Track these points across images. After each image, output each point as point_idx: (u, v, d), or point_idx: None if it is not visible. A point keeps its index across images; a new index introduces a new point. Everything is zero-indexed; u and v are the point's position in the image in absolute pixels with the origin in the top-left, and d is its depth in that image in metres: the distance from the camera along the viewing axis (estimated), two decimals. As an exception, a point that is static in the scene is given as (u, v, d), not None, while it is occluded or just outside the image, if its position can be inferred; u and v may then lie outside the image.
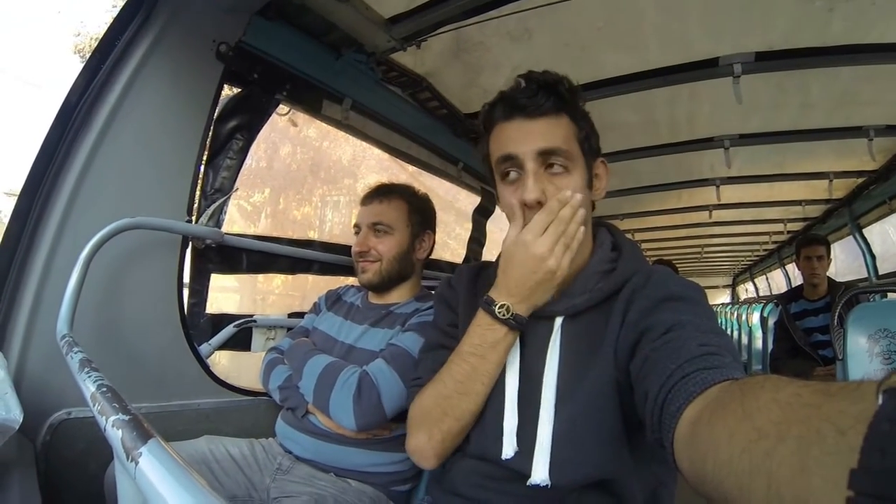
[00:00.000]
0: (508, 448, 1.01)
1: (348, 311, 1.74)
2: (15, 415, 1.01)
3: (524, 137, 1.05)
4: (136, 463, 0.49)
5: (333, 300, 1.83)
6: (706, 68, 2.17)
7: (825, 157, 3.38)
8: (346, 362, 1.49)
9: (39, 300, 1.32)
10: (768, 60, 2.10)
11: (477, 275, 1.28)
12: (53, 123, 1.39)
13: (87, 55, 1.49)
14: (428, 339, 1.32)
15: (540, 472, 0.96)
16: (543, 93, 1.06)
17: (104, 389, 0.69)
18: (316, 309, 1.84)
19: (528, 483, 0.97)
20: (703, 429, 0.56)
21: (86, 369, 0.81)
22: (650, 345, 0.84)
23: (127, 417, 0.58)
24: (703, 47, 2.09)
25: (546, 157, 1.04)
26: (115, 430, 0.56)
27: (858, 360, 2.71)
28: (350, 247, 1.76)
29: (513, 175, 1.07)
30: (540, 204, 1.02)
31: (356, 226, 1.74)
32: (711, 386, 0.65)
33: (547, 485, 0.95)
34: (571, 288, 1.08)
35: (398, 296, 1.71)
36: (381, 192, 1.74)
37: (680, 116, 2.76)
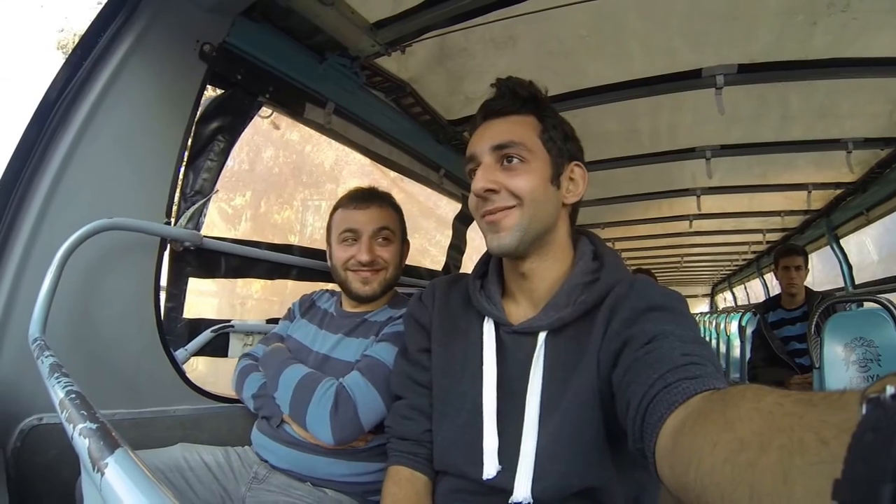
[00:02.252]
0: (490, 467, 1.01)
1: (322, 318, 1.70)
2: (-16, 420, 0.99)
3: (483, 136, 1.11)
4: (102, 474, 0.47)
5: (307, 306, 1.79)
6: (689, 79, 2.19)
7: (804, 168, 3.43)
8: (321, 374, 1.46)
9: (12, 301, 1.29)
10: (751, 73, 2.13)
11: (449, 289, 1.28)
12: (31, 120, 1.36)
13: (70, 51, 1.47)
14: (397, 368, 1.32)
15: (523, 489, 0.95)
16: (508, 94, 1.12)
17: (73, 396, 0.67)
18: (290, 315, 1.80)
19: (510, 501, 0.96)
20: (685, 438, 0.56)
21: (56, 374, 0.79)
22: (633, 354, 0.84)
23: (94, 426, 0.56)
24: (687, 58, 2.11)
25: (500, 151, 1.08)
26: (81, 439, 0.54)
27: (835, 368, 2.75)
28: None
29: (472, 174, 1.11)
30: (491, 192, 1.05)
31: (351, 231, 1.61)
32: (693, 396, 0.65)
33: (529, 502, 0.95)
34: (554, 301, 1.08)
35: (374, 303, 1.67)
36: (378, 197, 1.68)
37: (662, 126, 2.79)
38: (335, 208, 1.71)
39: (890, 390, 0.27)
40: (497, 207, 1.06)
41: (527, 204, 1.05)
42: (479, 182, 1.05)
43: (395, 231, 1.65)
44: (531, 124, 1.10)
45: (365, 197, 1.67)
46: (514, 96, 1.12)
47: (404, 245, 1.71)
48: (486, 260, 1.25)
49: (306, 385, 1.42)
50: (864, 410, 0.28)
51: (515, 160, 1.07)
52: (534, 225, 1.06)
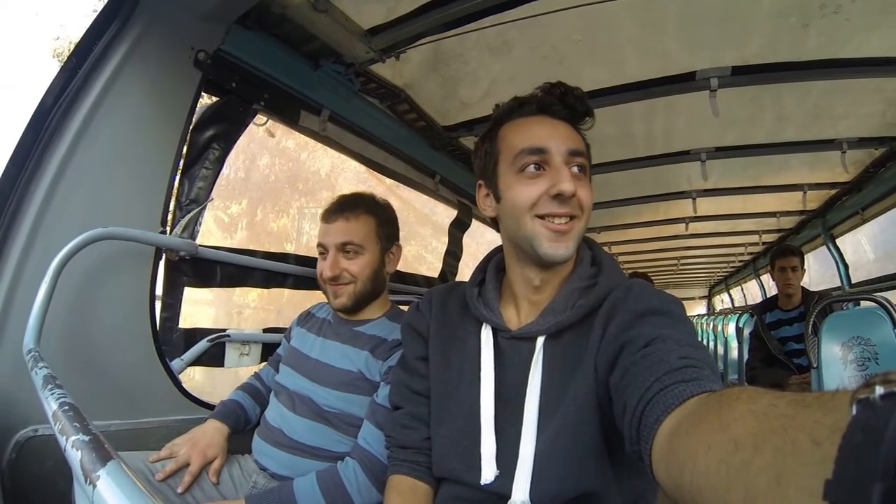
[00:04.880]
0: (488, 472, 1.00)
1: (320, 326, 1.69)
2: (-21, 432, 0.98)
3: (555, 134, 1.07)
4: (94, 486, 0.47)
5: (304, 318, 1.78)
6: (683, 82, 2.20)
7: (799, 169, 3.45)
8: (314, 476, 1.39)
9: (7, 312, 1.29)
10: (744, 75, 2.14)
11: (447, 297, 1.27)
12: (26, 129, 1.36)
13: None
14: (395, 378, 1.29)
15: (521, 493, 0.94)
16: (576, 101, 1.11)
17: (66, 408, 0.67)
18: (287, 335, 1.78)
19: None
20: (680, 440, 0.56)
21: (49, 386, 0.79)
22: (630, 358, 0.84)
23: (87, 438, 0.56)
24: (681, 61, 2.11)
25: (574, 158, 1.06)
26: (74, 451, 0.54)
27: (833, 367, 2.75)
28: None
29: (535, 169, 1.05)
30: (574, 197, 1.03)
31: (321, 246, 1.62)
32: (689, 398, 0.65)
33: None
34: (552, 305, 1.08)
35: (369, 312, 1.65)
36: (346, 208, 1.62)
37: (657, 130, 2.80)
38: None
39: (879, 390, 0.27)
40: (567, 213, 1.04)
41: (584, 216, 1.07)
42: (567, 184, 1.01)
43: (365, 243, 1.60)
44: (582, 137, 1.12)
45: (334, 209, 1.64)
46: (582, 106, 1.12)
47: (386, 252, 1.66)
48: (483, 267, 1.24)
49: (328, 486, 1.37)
50: (853, 411, 0.29)
51: (583, 172, 1.07)
52: (581, 236, 1.08)
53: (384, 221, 1.67)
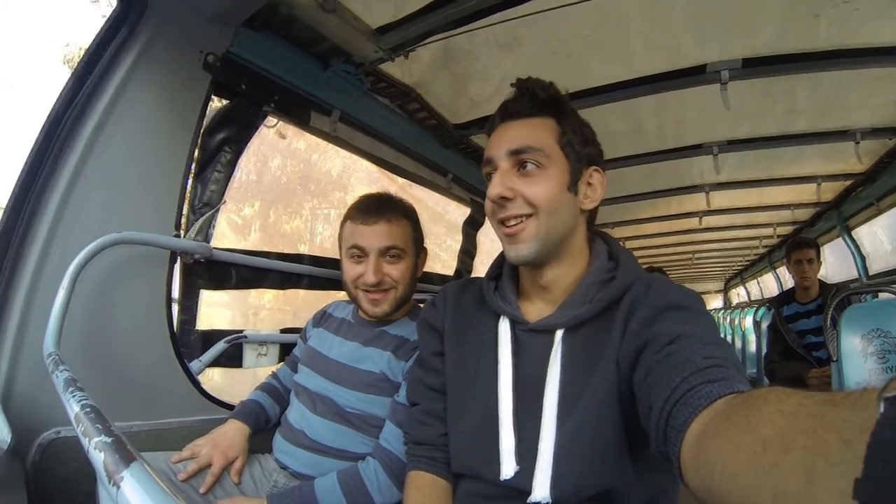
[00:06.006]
0: (508, 468, 1.00)
1: (339, 326, 1.66)
2: (3, 435, 1.00)
3: (501, 140, 1.09)
4: (118, 487, 0.47)
5: (320, 317, 1.76)
6: (694, 75, 2.18)
7: (813, 160, 3.42)
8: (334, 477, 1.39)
9: (27, 317, 1.30)
10: (755, 67, 2.12)
11: (462, 292, 1.27)
12: (39, 136, 1.37)
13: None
14: (412, 375, 1.31)
15: (541, 490, 0.94)
16: (527, 95, 1.10)
17: (88, 409, 0.68)
18: (304, 336, 1.76)
19: (528, 501, 0.95)
20: (709, 442, 0.55)
21: (70, 389, 0.80)
22: (654, 356, 0.83)
23: (110, 439, 0.56)
24: (691, 54, 2.10)
25: (517, 156, 1.06)
26: (97, 453, 0.55)
27: (853, 360, 2.72)
28: (338, 260, 1.60)
29: (490, 178, 1.09)
30: (505, 199, 1.04)
31: (357, 248, 1.50)
32: (717, 399, 0.64)
33: (548, 502, 0.94)
34: (570, 299, 1.07)
35: (392, 315, 1.59)
36: (386, 209, 1.52)
37: (668, 124, 2.78)
38: (345, 219, 1.57)
39: None
40: (512, 215, 1.05)
41: (542, 213, 1.04)
42: (494, 188, 1.04)
43: (406, 247, 1.52)
44: (550, 128, 1.08)
45: (373, 209, 1.52)
46: (533, 98, 1.09)
47: (419, 256, 1.61)
48: (499, 262, 1.24)
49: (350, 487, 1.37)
50: (881, 409, 0.28)
51: (532, 166, 1.05)
52: (551, 234, 1.05)
53: (416, 224, 1.62)
